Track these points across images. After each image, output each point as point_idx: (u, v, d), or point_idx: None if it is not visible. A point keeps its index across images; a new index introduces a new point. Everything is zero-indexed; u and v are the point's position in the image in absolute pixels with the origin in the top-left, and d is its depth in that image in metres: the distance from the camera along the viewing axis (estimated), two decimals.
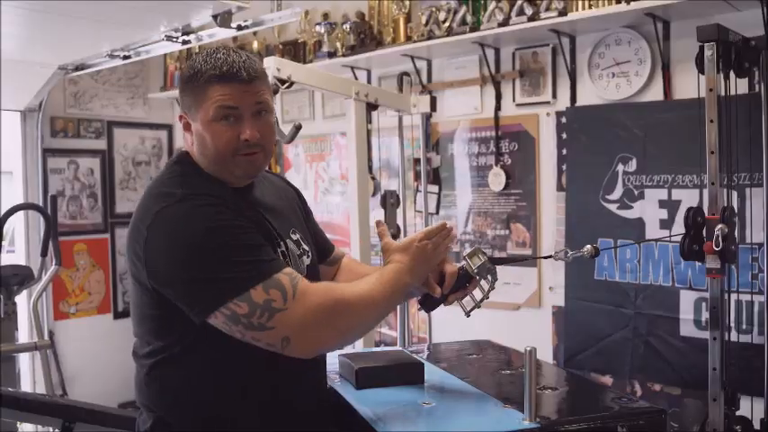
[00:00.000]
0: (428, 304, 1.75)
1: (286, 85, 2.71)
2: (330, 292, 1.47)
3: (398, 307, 3.21)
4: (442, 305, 1.73)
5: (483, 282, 1.70)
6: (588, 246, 1.79)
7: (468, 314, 1.72)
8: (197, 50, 4.65)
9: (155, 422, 1.52)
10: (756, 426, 2.34)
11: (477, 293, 1.71)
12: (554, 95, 3.32)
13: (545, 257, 1.92)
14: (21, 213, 4.30)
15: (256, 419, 1.49)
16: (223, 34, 3.32)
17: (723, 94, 2.23)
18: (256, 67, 1.50)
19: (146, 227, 1.42)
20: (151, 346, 1.50)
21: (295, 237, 1.63)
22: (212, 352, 1.44)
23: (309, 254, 1.66)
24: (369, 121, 3.19)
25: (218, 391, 1.48)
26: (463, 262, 1.70)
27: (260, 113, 1.50)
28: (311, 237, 1.76)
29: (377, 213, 3.45)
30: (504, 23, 3.19)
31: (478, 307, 1.71)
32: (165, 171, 1.57)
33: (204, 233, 1.38)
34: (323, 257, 1.82)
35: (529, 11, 3.12)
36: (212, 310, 1.37)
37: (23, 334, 4.22)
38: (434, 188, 3.73)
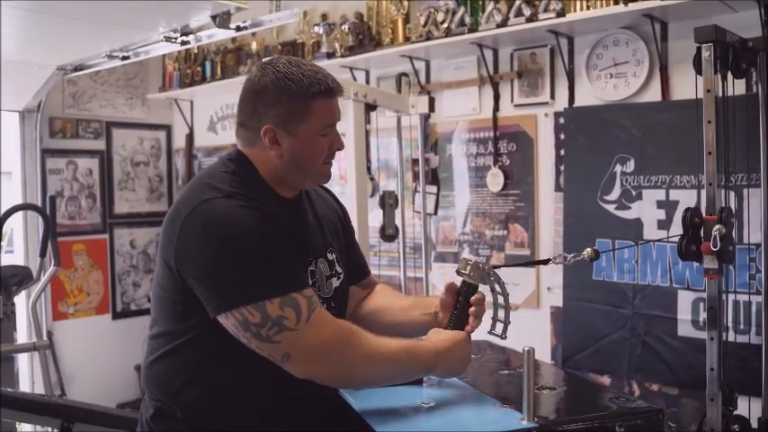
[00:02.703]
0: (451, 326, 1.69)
1: None
2: (346, 331, 1.47)
3: None
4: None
5: (494, 291, 1.66)
6: (588, 249, 1.79)
7: (503, 336, 1.68)
8: (200, 51, 4.65)
9: (155, 411, 1.54)
10: (754, 425, 2.34)
11: (498, 312, 1.67)
12: (552, 96, 3.33)
13: (543, 262, 1.89)
14: (19, 214, 4.30)
15: (255, 417, 1.50)
16: (222, 35, 3.33)
17: (721, 94, 2.24)
18: (334, 78, 1.57)
19: (186, 213, 1.44)
20: (163, 330, 1.52)
21: (331, 257, 1.65)
22: (221, 346, 1.45)
23: (341, 276, 1.67)
24: (367, 121, 3.19)
25: (219, 384, 1.49)
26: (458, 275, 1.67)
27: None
28: (347, 256, 1.76)
29: (375, 214, 3.46)
30: (503, 24, 3.19)
31: (508, 323, 1.67)
32: (218, 164, 1.59)
33: (242, 234, 1.40)
34: (357, 279, 1.80)
35: (527, 12, 3.12)
36: (226, 309, 1.39)
37: (22, 334, 4.21)
38: (433, 189, 3.73)
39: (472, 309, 1.63)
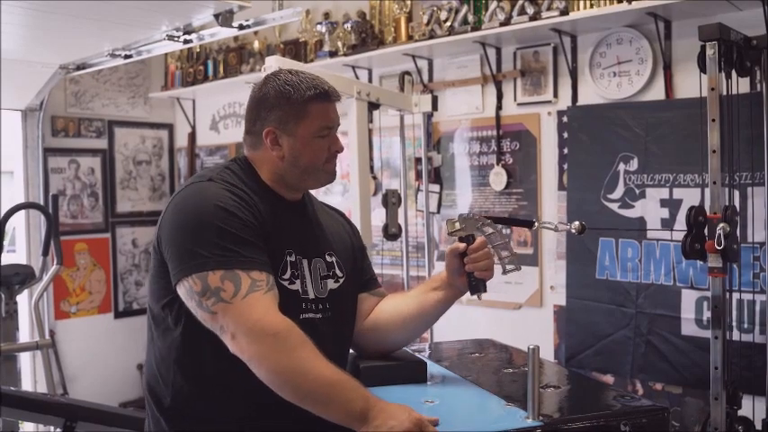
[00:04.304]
0: (473, 287, 1.73)
1: None
2: (285, 327, 1.41)
3: None
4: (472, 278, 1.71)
5: (488, 235, 1.71)
6: (576, 222, 1.88)
7: (517, 266, 1.72)
8: (200, 49, 4.65)
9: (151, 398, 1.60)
10: (758, 425, 2.34)
11: (500, 252, 1.72)
12: (555, 95, 3.32)
13: (528, 225, 1.95)
14: (22, 213, 4.30)
15: (244, 404, 1.50)
16: (225, 34, 3.33)
17: (725, 93, 2.23)
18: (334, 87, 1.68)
19: (172, 197, 1.60)
20: (152, 313, 1.60)
21: (330, 259, 1.69)
22: (199, 332, 1.47)
23: (341, 280, 1.68)
24: (370, 120, 3.19)
25: (202, 371, 1.52)
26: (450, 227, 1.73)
27: (337, 128, 1.68)
28: (357, 268, 1.79)
29: (378, 213, 3.46)
30: (506, 23, 3.19)
31: (515, 255, 1.72)
32: (219, 164, 1.69)
33: (207, 209, 1.49)
34: (368, 288, 1.84)
35: (530, 10, 3.12)
36: (179, 278, 1.47)
37: (24, 333, 4.22)
38: (435, 187, 3.72)
39: (479, 257, 1.69)
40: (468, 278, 1.72)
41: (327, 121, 1.64)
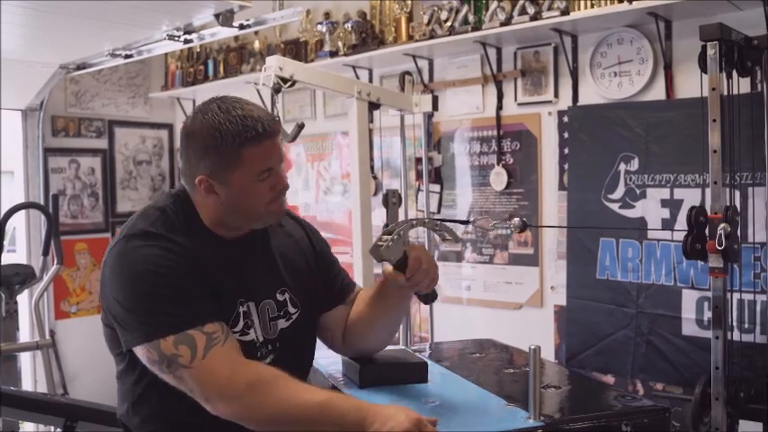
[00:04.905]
0: (424, 300, 1.70)
1: (288, 84, 2.72)
2: (251, 374, 1.39)
3: None
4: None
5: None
6: (516, 219, 1.88)
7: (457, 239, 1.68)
8: (199, 50, 4.65)
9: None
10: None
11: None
12: (556, 95, 3.32)
13: (464, 222, 1.91)
14: (22, 212, 4.29)
15: None
16: (225, 33, 3.33)
17: (725, 93, 2.23)
18: (272, 117, 1.51)
19: (109, 249, 1.51)
20: (115, 360, 1.59)
21: (281, 297, 1.60)
22: (156, 381, 1.45)
23: (293, 317, 1.61)
24: (370, 120, 3.19)
25: (154, 416, 1.51)
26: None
27: (281, 162, 1.53)
28: (328, 285, 1.72)
29: (379, 213, 3.45)
30: (506, 23, 3.19)
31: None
32: (162, 198, 1.58)
33: (140, 277, 1.42)
34: (341, 299, 1.75)
35: (531, 10, 3.12)
36: (130, 346, 1.43)
37: (25, 333, 4.21)
38: (436, 187, 3.72)
39: (418, 279, 1.57)
40: (417, 294, 1.65)
41: (265, 165, 1.47)
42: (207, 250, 1.50)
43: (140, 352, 1.42)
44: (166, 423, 1.51)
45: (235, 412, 1.37)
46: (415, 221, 1.65)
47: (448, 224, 1.66)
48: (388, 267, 1.58)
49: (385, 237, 1.55)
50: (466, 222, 1.90)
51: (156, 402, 1.49)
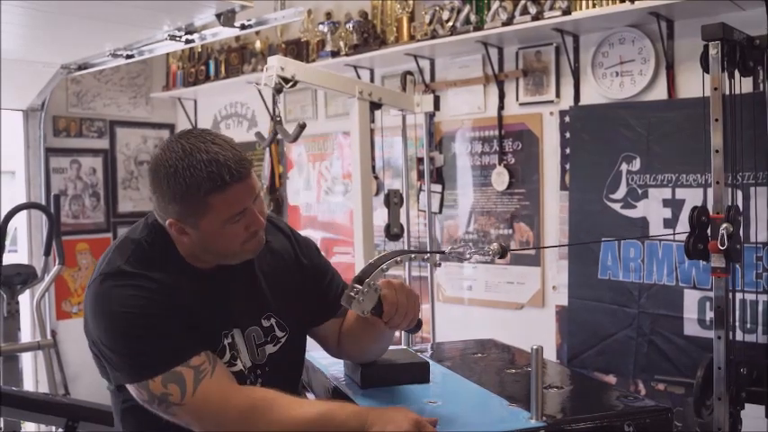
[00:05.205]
0: (408, 332, 1.69)
1: (290, 84, 2.71)
2: (244, 400, 1.38)
3: None
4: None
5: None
6: (495, 244, 1.64)
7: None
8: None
9: None
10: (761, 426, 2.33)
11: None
12: (557, 94, 3.32)
13: (441, 252, 1.75)
14: (23, 213, 4.30)
15: None
16: (226, 33, 3.33)
17: (727, 93, 2.22)
18: (242, 155, 1.42)
19: (88, 285, 1.48)
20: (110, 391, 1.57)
21: (267, 323, 1.58)
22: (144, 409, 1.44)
23: (281, 341, 1.59)
24: (372, 120, 3.19)
25: None
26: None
27: (256, 198, 1.46)
28: (322, 296, 1.68)
29: (380, 213, 3.45)
30: (508, 23, 3.19)
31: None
32: (139, 227, 1.54)
33: (117, 320, 1.40)
34: (333, 311, 1.70)
35: (532, 10, 3.12)
36: (120, 383, 1.45)
37: (26, 333, 4.22)
38: (437, 187, 3.72)
39: (396, 321, 1.53)
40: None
41: (236, 209, 1.41)
42: (185, 283, 1.46)
43: (131, 389, 1.42)
44: None
45: None
46: (389, 258, 1.53)
47: (427, 250, 1.62)
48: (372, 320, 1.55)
49: (356, 286, 1.49)
50: (442, 252, 1.74)
51: (143, 420, 1.47)
